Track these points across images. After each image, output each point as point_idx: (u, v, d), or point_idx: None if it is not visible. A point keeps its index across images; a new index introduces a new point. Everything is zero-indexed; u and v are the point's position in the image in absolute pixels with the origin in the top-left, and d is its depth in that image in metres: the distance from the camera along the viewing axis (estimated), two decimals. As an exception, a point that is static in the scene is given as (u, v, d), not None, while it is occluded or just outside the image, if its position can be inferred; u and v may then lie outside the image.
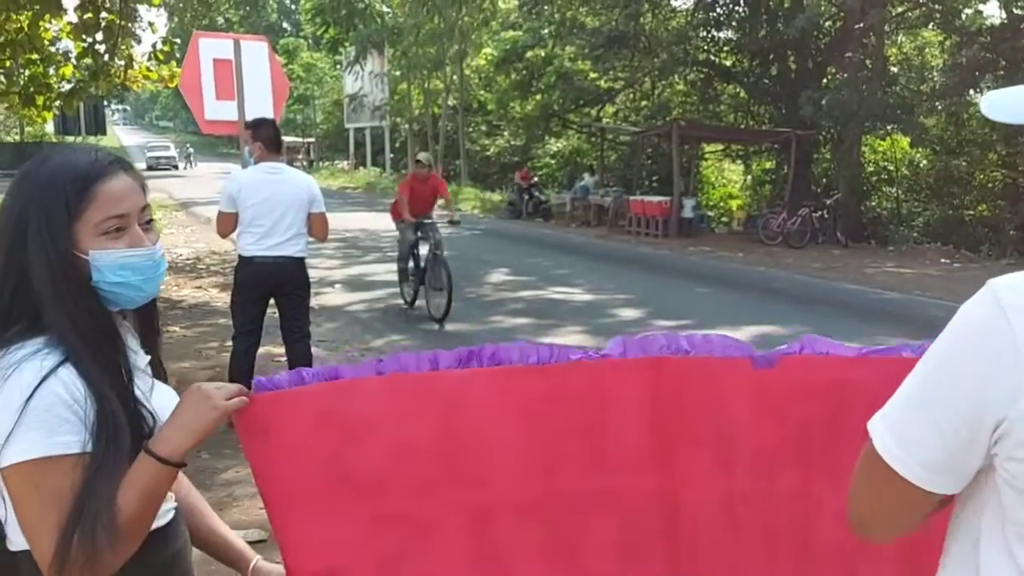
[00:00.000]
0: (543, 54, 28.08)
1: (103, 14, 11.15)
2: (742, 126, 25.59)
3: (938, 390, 1.05)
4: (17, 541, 1.34)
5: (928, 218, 20.64)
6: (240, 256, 5.68)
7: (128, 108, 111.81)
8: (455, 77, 34.98)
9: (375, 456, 1.55)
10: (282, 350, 6.16)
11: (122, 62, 12.18)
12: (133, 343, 1.50)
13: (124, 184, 1.42)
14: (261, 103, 7.18)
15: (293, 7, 73.62)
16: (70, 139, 45.03)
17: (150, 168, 48.27)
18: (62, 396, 1.28)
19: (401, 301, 10.58)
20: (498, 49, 31.12)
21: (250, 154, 5.84)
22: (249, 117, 6.95)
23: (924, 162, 21.98)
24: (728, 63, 26.02)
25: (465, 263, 14.78)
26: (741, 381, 1.54)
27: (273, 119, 6.22)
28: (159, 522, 1.43)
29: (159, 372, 1.57)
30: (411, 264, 10.34)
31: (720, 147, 27.05)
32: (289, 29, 72.02)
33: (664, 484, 1.59)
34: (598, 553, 1.61)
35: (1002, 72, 18.80)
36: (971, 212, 20.26)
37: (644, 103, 27.99)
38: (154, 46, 12.17)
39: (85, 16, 10.99)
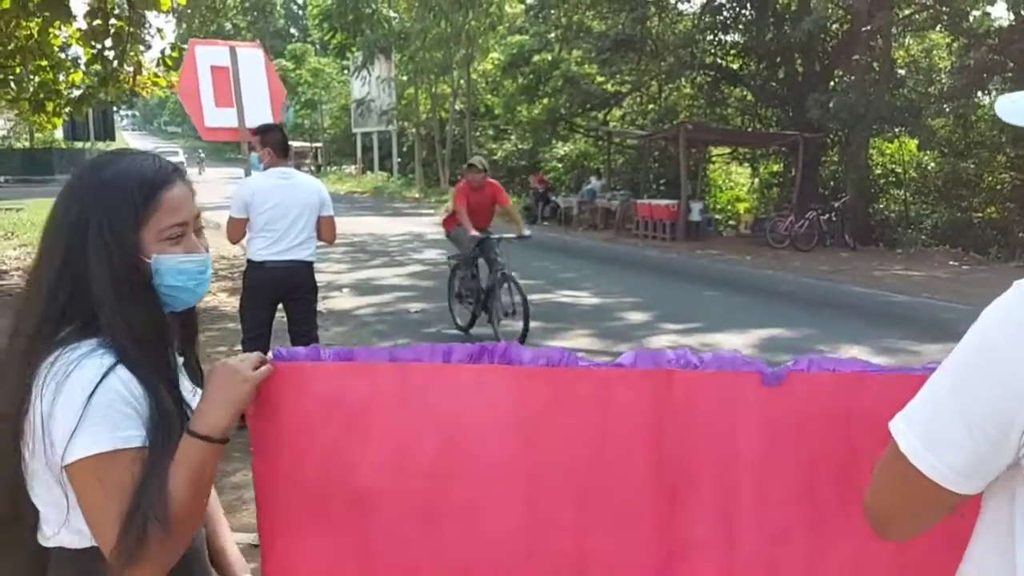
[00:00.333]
0: (550, 58, 28.11)
1: (112, 21, 11.23)
2: (749, 129, 25.56)
3: (966, 390, 1.04)
4: (51, 536, 1.37)
5: (936, 220, 20.58)
6: (250, 261, 5.71)
7: (137, 114, 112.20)
8: (462, 81, 35.05)
9: (372, 456, 1.56)
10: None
11: (131, 68, 12.26)
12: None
13: (183, 192, 1.47)
14: (260, 108, 7.24)
15: (300, 13, 73.84)
16: (79, 145, 45.35)
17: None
18: (121, 392, 1.32)
19: (456, 324, 9.28)
20: (505, 53, 31.16)
21: (259, 160, 5.88)
22: (249, 123, 7.01)
23: (932, 164, 21.92)
24: (735, 66, 26.00)
25: (473, 267, 14.81)
26: (750, 399, 1.53)
27: (280, 125, 6.27)
28: None
29: (197, 373, 1.61)
30: (453, 283, 9.29)
31: (727, 150, 27.04)
32: (296, 34, 72.22)
33: (662, 552, 1.55)
34: None
35: (1010, 74, 18.75)
36: (979, 215, 20.20)
37: (651, 106, 28.00)
38: (163, 52, 12.24)
39: (94, 23, 11.07)
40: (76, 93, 13.10)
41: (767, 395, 1.52)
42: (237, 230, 5.69)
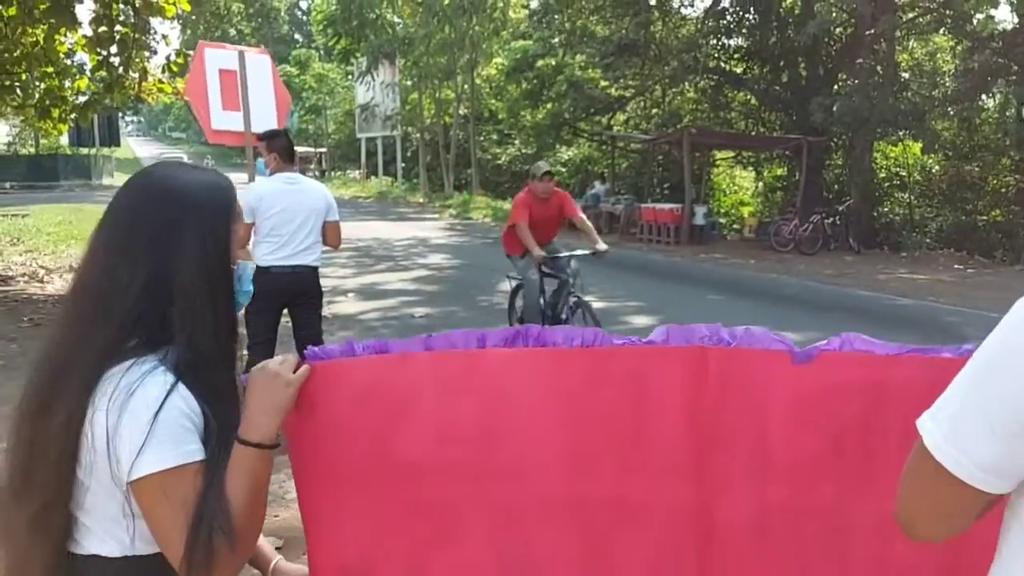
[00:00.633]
0: (554, 63, 28.15)
1: (117, 27, 11.26)
2: (753, 133, 25.59)
3: (991, 386, 1.03)
4: (87, 546, 1.39)
5: (941, 224, 20.56)
6: (256, 266, 5.71)
7: (142, 119, 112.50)
8: (466, 86, 35.09)
9: (415, 436, 1.58)
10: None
11: (136, 74, 12.29)
12: None
13: None
14: (266, 114, 7.27)
15: (305, 19, 74.05)
16: (84, 151, 45.47)
17: (163, 179, 48.42)
18: (183, 409, 1.35)
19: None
20: (509, 58, 31.23)
21: (265, 165, 5.90)
22: (255, 128, 7.03)
23: (936, 167, 21.90)
24: (739, 70, 26.02)
25: (477, 271, 14.83)
26: (780, 376, 1.56)
27: (286, 130, 6.29)
28: None
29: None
30: (513, 307, 8.38)
31: (731, 154, 27.05)
32: (301, 40, 72.47)
33: (698, 496, 1.59)
34: (628, 567, 1.62)
35: (1014, 77, 18.74)
36: (984, 217, 20.17)
37: (655, 111, 28.02)
38: (168, 58, 12.27)
39: (100, 29, 11.11)
40: (82, 99, 13.14)
41: (797, 372, 1.55)
42: (243, 235, 5.71)
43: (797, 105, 22.44)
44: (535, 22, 29.25)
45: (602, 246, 7.59)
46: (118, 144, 49.32)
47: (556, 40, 27.78)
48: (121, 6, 11.23)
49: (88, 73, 13.02)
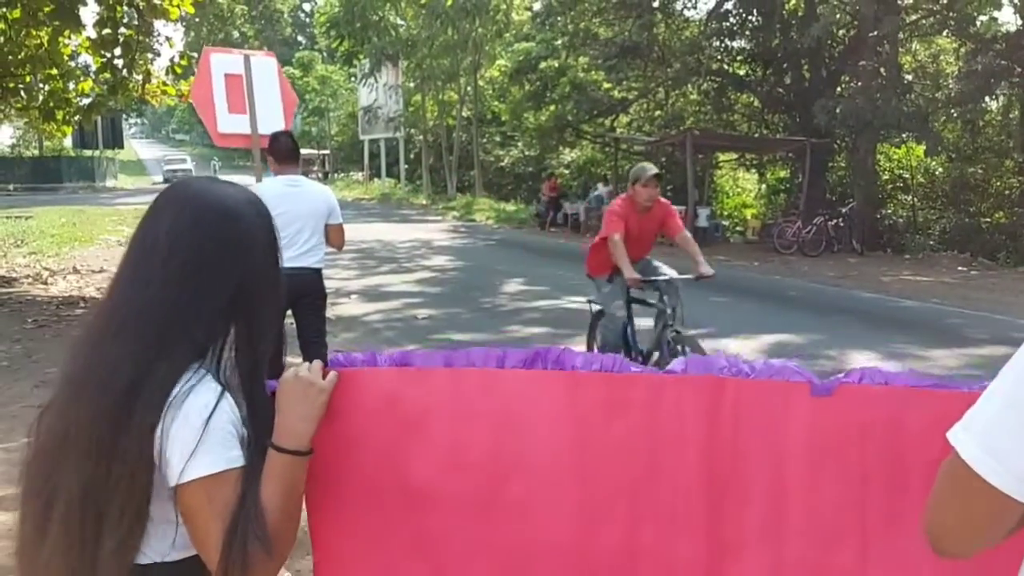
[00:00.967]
0: (557, 65, 28.17)
1: (121, 30, 11.30)
2: (756, 135, 25.57)
3: None
4: (150, 553, 1.39)
5: (944, 226, 20.54)
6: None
7: (145, 122, 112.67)
8: (469, 88, 35.13)
9: (426, 458, 1.58)
10: (299, 360, 6.20)
11: (140, 76, 12.33)
12: None
13: None
14: (272, 116, 7.28)
15: (308, 21, 74.17)
16: (88, 153, 45.56)
17: (167, 182, 48.51)
18: (231, 415, 1.37)
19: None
20: (512, 60, 31.24)
21: (267, 166, 5.92)
22: (262, 130, 7.05)
23: (940, 170, 21.89)
24: (741, 72, 26.00)
25: (480, 273, 14.83)
26: (798, 409, 1.53)
27: (288, 131, 6.28)
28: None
29: None
30: (594, 336, 7.03)
31: (734, 156, 27.04)
32: (304, 42, 72.59)
33: (709, 554, 1.56)
34: None
35: (1017, 79, 18.73)
36: (988, 220, 20.15)
37: (658, 113, 28.03)
38: (172, 60, 12.30)
39: (104, 32, 11.15)
40: (85, 101, 13.17)
41: (817, 405, 1.53)
42: None
43: (800, 107, 22.44)
44: (538, 24, 29.28)
45: (708, 269, 6.18)
46: (121, 146, 49.43)
47: (559, 42, 27.80)
48: (125, 9, 11.27)
49: (92, 75, 13.05)
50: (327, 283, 6.13)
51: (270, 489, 1.39)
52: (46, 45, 11.79)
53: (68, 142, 42.97)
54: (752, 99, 26.08)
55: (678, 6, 25.59)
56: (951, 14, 19.67)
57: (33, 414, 1.46)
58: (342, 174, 54.70)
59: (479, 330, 9.82)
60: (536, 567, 1.59)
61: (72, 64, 13.64)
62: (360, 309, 11.21)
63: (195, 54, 13.09)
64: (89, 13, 11.60)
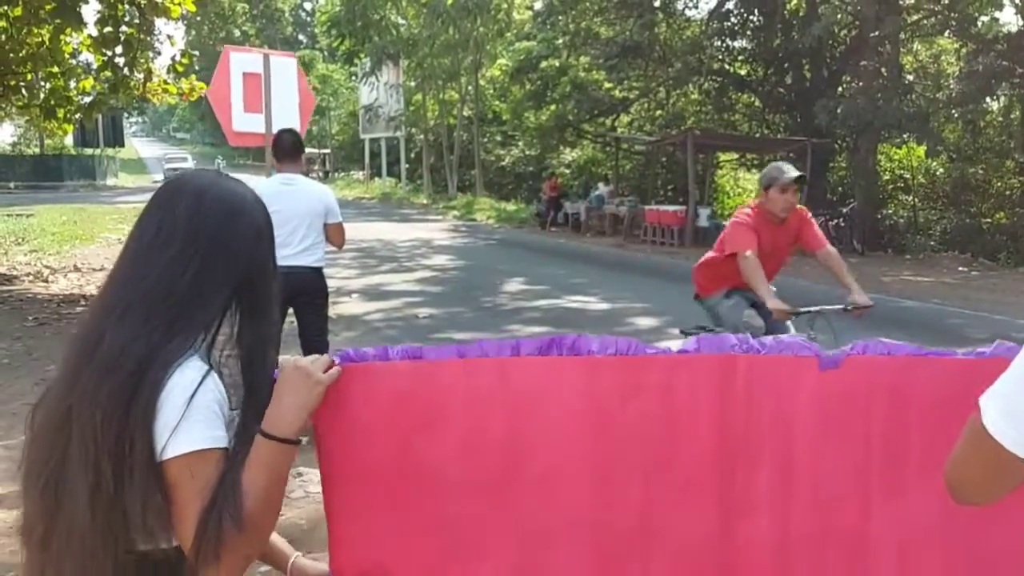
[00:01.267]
0: (557, 64, 28.16)
1: (123, 28, 11.28)
2: (757, 135, 25.57)
3: None
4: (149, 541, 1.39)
5: (945, 226, 20.55)
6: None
7: (146, 120, 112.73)
8: (470, 88, 35.13)
9: (442, 443, 1.59)
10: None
11: (141, 75, 12.31)
12: None
13: None
14: (288, 116, 7.28)
15: (309, 20, 74.19)
16: (89, 151, 45.57)
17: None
18: (216, 395, 1.38)
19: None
20: (513, 60, 31.24)
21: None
22: (275, 130, 7.06)
23: (941, 170, 21.89)
24: (743, 72, 26.02)
25: (481, 273, 14.83)
26: (807, 381, 1.58)
27: (291, 129, 6.26)
28: None
29: None
30: None
31: (735, 156, 27.04)
32: (305, 41, 72.59)
33: (720, 520, 1.60)
34: None
35: (1018, 79, 18.71)
36: (988, 220, 20.15)
37: (659, 112, 28.03)
38: (173, 59, 12.29)
39: (105, 30, 11.13)
40: (86, 99, 13.16)
41: (824, 377, 1.58)
42: None
43: (801, 107, 22.44)
44: (539, 23, 29.28)
45: (864, 298, 5.04)
46: (122, 144, 49.44)
47: (560, 41, 27.82)
48: (126, 7, 11.26)
49: (93, 73, 13.04)
50: (327, 282, 6.12)
51: (253, 474, 1.38)
52: (47, 43, 11.78)
53: (69, 140, 43.01)
54: (753, 99, 26.09)
55: (679, 6, 25.63)
56: (952, 14, 19.66)
57: (33, 412, 1.47)
58: (343, 173, 54.72)
59: (480, 329, 9.82)
60: (553, 542, 1.61)
61: (73, 62, 13.62)
62: (361, 308, 11.21)
63: (197, 52, 13.05)
64: (90, 11, 11.67)
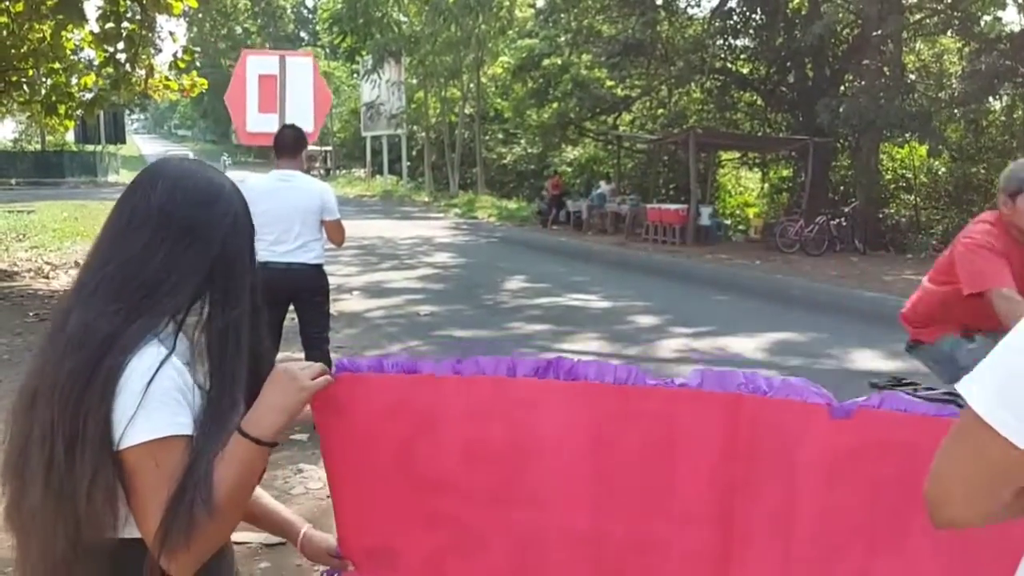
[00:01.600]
0: (559, 62, 28.13)
1: (124, 24, 11.27)
2: (759, 134, 25.55)
3: None
4: (131, 529, 1.38)
5: (947, 226, 20.51)
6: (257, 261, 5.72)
7: (148, 117, 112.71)
8: (472, 85, 35.11)
9: (440, 453, 1.57)
10: (302, 355, 6.20)
11: (143, 71, 12.30)
12: None
13: None
14: (302, 116, 7.27)
15: (311, 17, 74.14)
16: (90, 148, 45.55)
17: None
18: (176, 381, 1.36)
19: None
20: (515, 57, 31.22)
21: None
22: None
23: (943, 170, 21.87)
24: (745, 71, 25.99)
25: (482, 270, 14.83)
26: (816, 430, 1.51)
27: (292, 125, 6.25)
28: None
29: None
30: None
31: (737, 155, 27.02)
32: (306, 38, 72.49)
33: (719, 544, 1.56)
34: None
35: (1021, 79, 18.69)
36: (990, 220, 20.11)
37: (660, 111, 28.00)
38: (175, 55, 12.28)
39: (107, 26, 11.12)
40: (88, 96, 13.15)
41: (834, 427, 1.50)
42: None
43: (803, 106, 22.42)
44: (541, 21, 29.25)
45: None
46: (124, 141, 49.41)
47: (562, 39, 27.77)
48: (128, 3, 11.25)
49: (94, 69, 13.03)
50: (329, 279, 6.11)
51: (225, 469, 1.36)
52: (49, 39, 11.77)
53: (70, 137, 42.96)
54: (755, 98, 26.07)
55: (681, 4, 25.61)
56: (955, 14, 19.63)
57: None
58: (344, 171, 54.69)
59: (481, 327, 9.81)
60: (549, 549, 1.59)
61: (75, 58, 13.60)
62: (362, 305, 11.20)
63: (198, 48, 13.03)
64: (92, 7, 11.63)
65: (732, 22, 24.51)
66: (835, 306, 11.82)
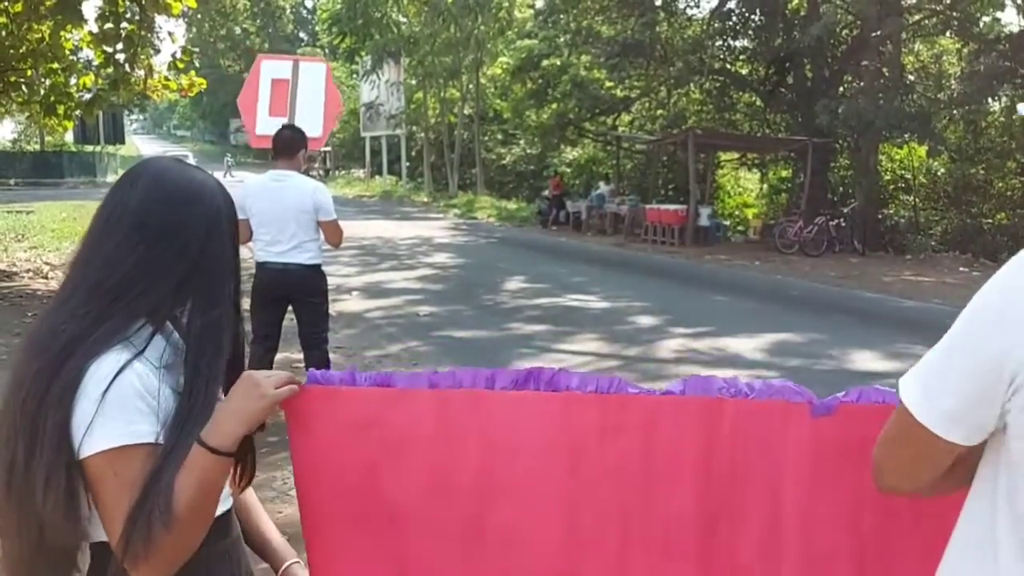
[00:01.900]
0: (559, 63, 28.13)
1: (123, 24, 11.26)
2: (758, 135, 25.55)
3: (962, 340, 1.15)
4: (95, 533, 1.37)
5: (946, 226, 20.54)
6: (255, 262, 5.72)
7: (147, 117, 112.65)
8: (471, 86, 35.12)
9: (408, 483, 1.52)
10: (301, 356, 6.19)
11: (142, 71, 12.28)
12: None
13: None
14: (312, 120, 7.30)
15: (310, 17, 74.08)
16: (89, 148, 45.54)
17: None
18: (137, 387, 1.32)
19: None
20: (514, 58, 31.21)
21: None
22: None
23: (942, 170, 21.88)
24: (744, 71, 26.00)
25: (481, 271, 14.82)
26: (798, 430, 1.51)
27: (291, 125, 6.26)
28: (222, 507, 1.46)
29: None
30: None
31: (736, 156, 27.03)
32: (306, 39, 72.46)
33: (703, 569, 1.53)
34: None
35: (1020, 80, 18.70)
36: (990, 220, 20.14)
37: (660, 112, 28.00)
38: (174, 55, 12.27)
39: (105, 26, 11.11)
40: (87, 96, 13.14)
41: (816, 425, 1.50)
42: (242, 231, 5.69)
43: (802, 107, 22.42)
44: (540, 22, 29.26)
45: None
46: (123, 142, 49.39)
47: (561, 40, 27.77)
48: (127, 3, 11.24)
49: (93, 70, 13.02)
50: (328, 279, 6.10)
51: (185, 478, 1.33)
52: (48, 39, 11.76)
53: (69, 137, 42.93)
54: (754, 98, 26.07)
55: (680, 5, 25.56)
56: (954, 14, 19.66)
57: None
58: (343, 171, 54.67)
59: (480, 327, 9.81)
60: None
61: (74, 58, 13.58)
62: (361, 306, 11.20)
63: (197, 49, 13.04)
64: (91, 7, 11.65)
65: (731, 23, 24.51)
66: (834, 307, 11.82)
